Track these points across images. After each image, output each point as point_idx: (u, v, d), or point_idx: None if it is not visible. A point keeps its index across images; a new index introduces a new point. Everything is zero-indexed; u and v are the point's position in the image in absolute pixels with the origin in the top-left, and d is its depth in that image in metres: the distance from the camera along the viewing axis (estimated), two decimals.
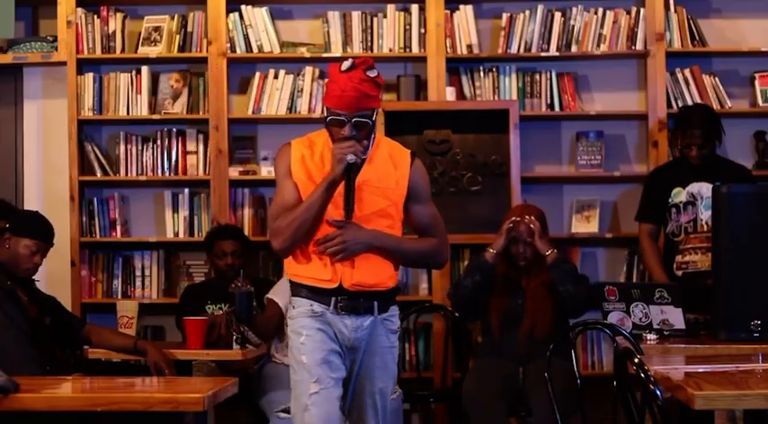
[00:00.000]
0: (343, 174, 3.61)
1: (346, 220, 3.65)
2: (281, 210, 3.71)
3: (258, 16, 6.14)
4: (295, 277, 3.78)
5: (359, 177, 3.68)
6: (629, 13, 6.06)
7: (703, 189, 5.29)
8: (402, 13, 6.11)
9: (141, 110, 6.16)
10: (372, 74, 3.64)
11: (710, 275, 5.22)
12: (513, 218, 5.19)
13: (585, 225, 6.06)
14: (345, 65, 3.64)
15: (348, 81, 3.61)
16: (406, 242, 3.78)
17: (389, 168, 3.74)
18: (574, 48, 6.06)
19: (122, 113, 6.16)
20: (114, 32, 6.17)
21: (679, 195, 5.38)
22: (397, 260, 3.77)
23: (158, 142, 6.17)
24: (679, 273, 5.33)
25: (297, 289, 3.78)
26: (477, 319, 5.39)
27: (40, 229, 4.75)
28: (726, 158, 5.66)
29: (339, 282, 3.67)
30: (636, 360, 3.10)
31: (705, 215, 5.28)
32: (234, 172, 6.10)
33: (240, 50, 6.12)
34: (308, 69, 6.12)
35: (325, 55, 6.10)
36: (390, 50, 6.09)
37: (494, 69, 6.11)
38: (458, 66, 6.13)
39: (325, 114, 3.68)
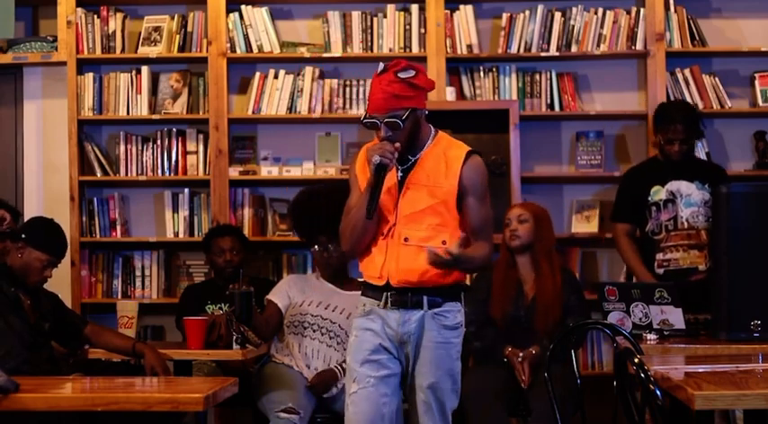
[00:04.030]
0: (373, 176, 3.65)
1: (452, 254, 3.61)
2: (344, 216, 3.82)
3: (258, 16, 6.14)
4: (362, 275, 3.87)
5: (410, 176, 3.73)
6: (629, 13, 6.06)
7: (683, 187, 5.39)
8: (402, 13, 6.11)
9: (141, 110, 6.16)
10: (405, 75, 3.66)
11: (693, 272, 5.31)
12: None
13: (585, 225, 6.06)
14: (378, 69, 3.70)
15: (378, 84, 3.68)
16: (476, 257, 3.75)
17: (440, 166, 3.75)
18: (574, 48, 6.06)
19: (122, 113, 6.16)
20: (114, 32, 6.17)
21: (658, 193, 5.42)
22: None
23: (158, 142, 6.17)
24: (660, 271, 5.37)
25: (363, 289, 3.86)
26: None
27: (55, 244, 4.69)
28: (701, 158, 5.76)
29: (387, 280, 3.74)
30: (636, 360, 3.11)
31: (685, 212, 5.37)
32: (234, 172, 6.10)
33: (240, 50, 6.12)
34: (308, 69, 6.12)
35: (325, 55, 6.10)
36: (390, 50, 6.09)
37: (494, 69, 6.11)
38: (458, 66, 6.13)
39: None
